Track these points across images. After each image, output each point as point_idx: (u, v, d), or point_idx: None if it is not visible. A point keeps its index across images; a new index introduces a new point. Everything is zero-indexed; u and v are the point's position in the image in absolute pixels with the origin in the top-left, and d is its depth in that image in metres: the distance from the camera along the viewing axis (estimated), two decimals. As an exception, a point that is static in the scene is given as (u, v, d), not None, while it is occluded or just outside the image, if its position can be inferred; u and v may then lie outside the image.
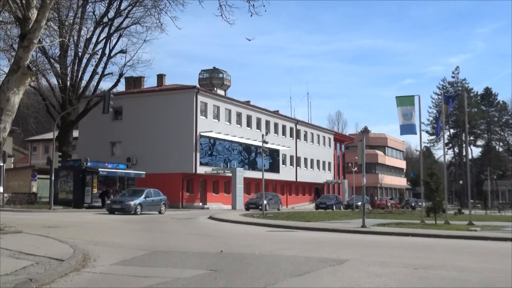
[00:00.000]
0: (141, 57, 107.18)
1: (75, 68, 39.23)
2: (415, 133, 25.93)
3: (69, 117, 39.43)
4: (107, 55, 40.41)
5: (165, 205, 31.32)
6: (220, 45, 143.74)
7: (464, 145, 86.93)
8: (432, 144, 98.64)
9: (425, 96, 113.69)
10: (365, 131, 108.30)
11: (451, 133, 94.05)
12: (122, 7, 39.84)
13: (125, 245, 12.53)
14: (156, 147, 41.75)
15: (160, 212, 30.27)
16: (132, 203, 28.08)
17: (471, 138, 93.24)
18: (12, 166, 48.97)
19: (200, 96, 42.49)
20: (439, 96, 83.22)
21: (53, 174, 31.51)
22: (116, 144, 44.91)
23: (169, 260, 10.07)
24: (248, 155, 49.35)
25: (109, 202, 30.30)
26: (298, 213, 33.60)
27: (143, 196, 29.15)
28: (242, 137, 47.03)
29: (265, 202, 36.50)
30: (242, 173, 44.22)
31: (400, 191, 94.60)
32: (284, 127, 55.44)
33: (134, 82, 47.46)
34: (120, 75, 41.14)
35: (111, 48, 40.72)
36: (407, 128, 25.57)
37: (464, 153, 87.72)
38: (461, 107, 68.00)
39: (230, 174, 43.77)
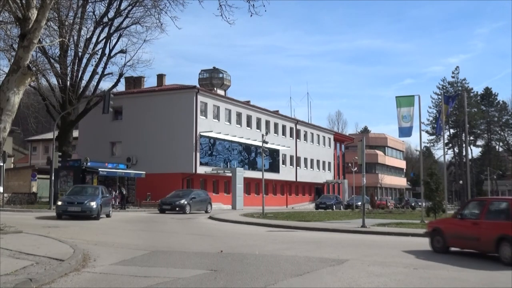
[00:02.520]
0: (141, 57, 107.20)
1: (75, 68, 39.17)
2: (410, 135, 25.99)
3: (69, 117, 39.39)
4: (107, 55, 40.37)
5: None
6: (220, 45, 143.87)
7: (464, 145, 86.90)
8: (432, 144, 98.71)
9: (425, 96, 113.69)
10: (365, 131, 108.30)
11: (451, 133, 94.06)
12: (122, 7, 39.80)
13: (125, 245, 12.53)
14: (156, 147, 41.73)
15: (108, 216, 24.71)
16: (93, 203, 22.23)
17: (471, 138, 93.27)
18: (12, 166, 48.95)
19: (200, 96, 42.48)
20: (439, 96, 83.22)
21: (53, 174, 31.47)
22: (116, 144, 44.88)
23: (169, 260, 10.07)
24: (248, 155, 49.34)
25: (60, 203, 22.81)
26: (298, 213, 33.60)
27: (100, 195, 23.72)
28: (242, 137, 47.01)
29: (184, 202, 30.64)
30: (242, 173, 44.19)
31: (400, 191, 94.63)
32: (284, 127, 55.42)
33: (134, 82, 47.41)
34: (120, 75, 41.09)
35: (111, 48, 40.68)
36: (406, 131, 25.62)
37: (464, 153, 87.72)
38: (461, 107, 68.03)
39: (230, 174, 43.75)
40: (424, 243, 13.40)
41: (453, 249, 12.54)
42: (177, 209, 30.27)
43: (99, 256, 10.24)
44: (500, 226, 10.92)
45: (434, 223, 13.98)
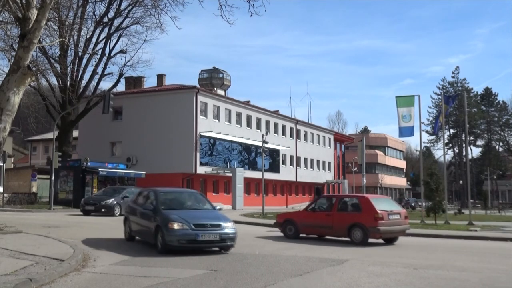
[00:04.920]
0: (141, 57, 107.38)
1: (75, 68, 39.16)
2: (413, 135, 26.03)
3: (69, 117, 39.38)
4: (107, 55, 40.36)
5: None
6: (220, 45, 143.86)
7: (464, 145, 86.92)
8: (432, 144, 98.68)
9: (425, 96, 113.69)
10: (365, 131, 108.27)
11: (451, 133, 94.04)
12: (122, 7, 39.78)
13: (125, 245, 12.52)
14: (156, 147, 41.72)
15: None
16: (230, 225, 13.51)
17: (471, 138, 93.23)
18: (12, 166, 48.95)
19: (200, 96, 42.47)
20: (439, 96, 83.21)
21: (53, 174, 31.47)
22: (116, 144, 44.87)
23: (169, 260, 10.07)
24: (248, 155, 49.33)
25: (178, 226, 11.53)
26: (298, 213, 33.51)
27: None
28: (242, 137, 47.00)
29: (113, 202, 26.10)
30: (242, 173, 44.20)
31: (400, 191, 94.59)
32: (284, 127, 55.41)
33: (134, 82, 47.39)
34: (120, 75, 41.08)
35: (111, 48, 40.67)
36: (406, 130, 25.62)
37: (464, 153, 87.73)
38: (461, 107, 68.02)
39: (230, 174, 43.75)
40: (425, 243, 13.36)
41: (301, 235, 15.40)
42: (103, 210, 25.55)
43: (99, 256, 10.24)
44: (351, 217, 14.31)
45: (285, 216, 16.75)
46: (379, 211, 13.79)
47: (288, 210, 42.24)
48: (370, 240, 13.95)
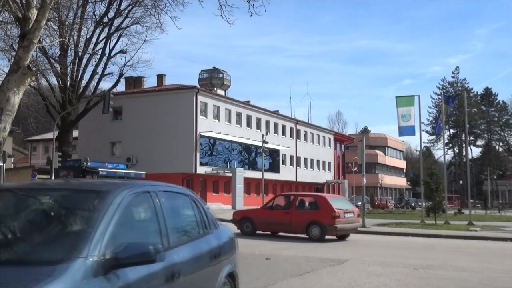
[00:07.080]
0: (141, 57, 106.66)
1: (75, 68, 39.16)
2: (414, 134, 26.04)
3: (69, 117, 39.37)
4: (107, 55, 40.35)
5: None
6: (220, 45, 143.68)
7: (464, 145, 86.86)
8: (432, 144, 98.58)
9: (424, 96, 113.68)
10: (365, 131, 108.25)
11: (451, 133, 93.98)
12: (122, 7, 39.77)
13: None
14: (156, 147, 41.72)
15: None
16: None
17: (471, 138, 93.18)
18: (12, 166, 48.91)
19: (200, 96, 42.47)
20: (439, 96, 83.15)
21: (53, 174, 31.47)
22: (116, 144, 44.86)
23: (169, 260, 10.05)
24: (248, 155, 49.33)
25: None
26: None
27: None
28: (242, 137, 47.00)
29: None
30: (242, 173, 44.18)
31: (400, 191, 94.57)
32: (284, 127, 55.41)
33: (134, 82, 47.38)
34: (120, 75, 41.07)
35: (111, 48, 40.66)
36: (406, 130, 25.65)
37: (464, 153, 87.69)
38: (461, 107, 68.00)
39: (230, 174, 43.74)
40: (425, 243, 13.37)
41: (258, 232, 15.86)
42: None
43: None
44: (309, 215, 14.95)
45: (242, 213, 17.12)
46: (336, 210, 14.54)
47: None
48: (372, 239, 14.05)
